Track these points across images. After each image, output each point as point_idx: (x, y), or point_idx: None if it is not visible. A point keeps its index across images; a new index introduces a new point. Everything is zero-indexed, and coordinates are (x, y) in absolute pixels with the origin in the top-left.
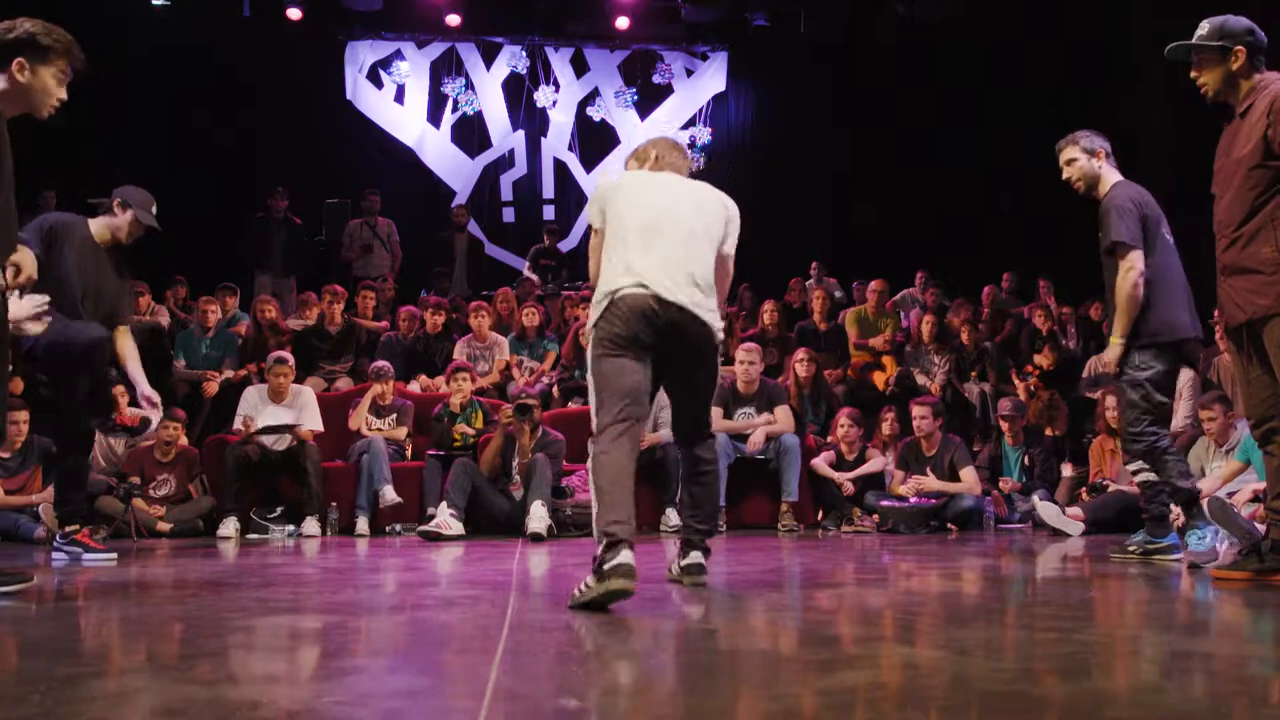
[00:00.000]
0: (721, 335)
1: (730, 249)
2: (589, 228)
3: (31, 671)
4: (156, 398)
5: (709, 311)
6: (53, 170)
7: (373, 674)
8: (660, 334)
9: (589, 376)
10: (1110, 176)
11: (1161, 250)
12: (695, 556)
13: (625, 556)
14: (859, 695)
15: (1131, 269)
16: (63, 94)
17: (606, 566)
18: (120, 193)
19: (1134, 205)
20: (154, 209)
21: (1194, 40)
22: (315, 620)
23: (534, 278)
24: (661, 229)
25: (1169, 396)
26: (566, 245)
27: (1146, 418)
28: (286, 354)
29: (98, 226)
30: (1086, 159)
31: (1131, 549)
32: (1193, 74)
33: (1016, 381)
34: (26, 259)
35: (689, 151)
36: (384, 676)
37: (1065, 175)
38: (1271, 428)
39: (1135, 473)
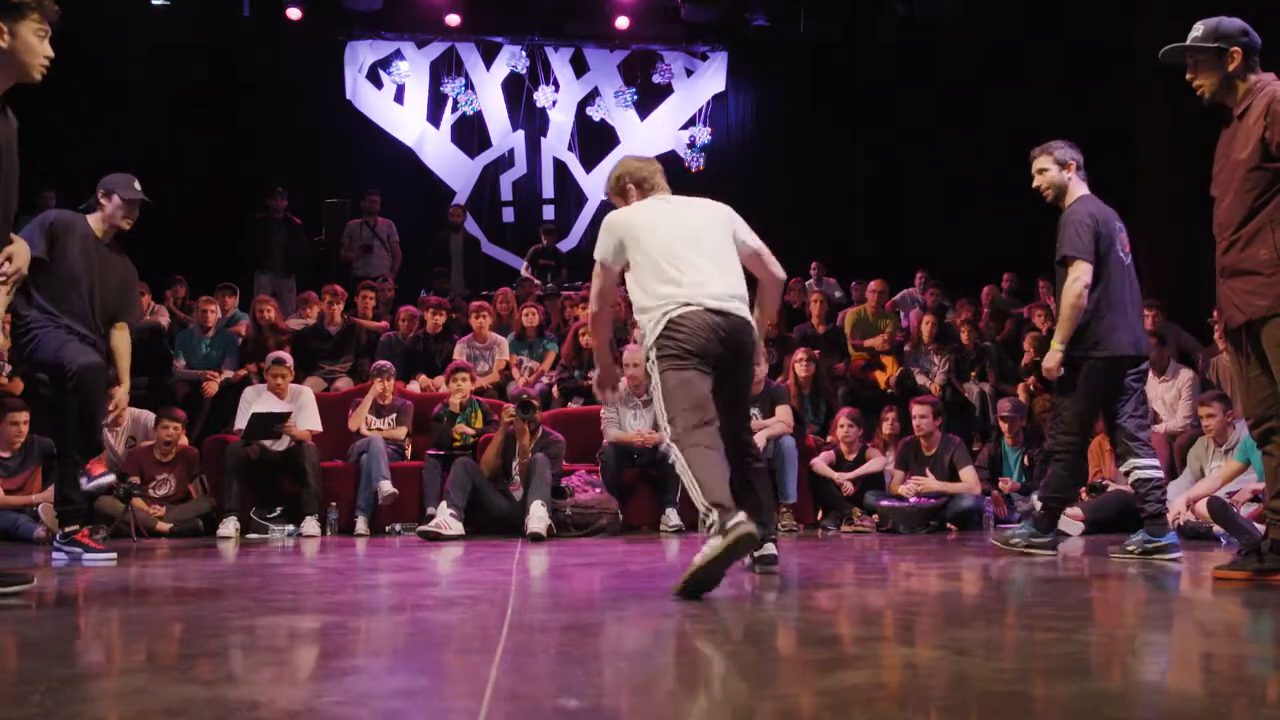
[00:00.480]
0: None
1: (755, 241)
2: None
3: (31, 672)
4: (120, 411)
5: (750, 316)
6: (52, 170)
7: (372, 674)
8: (724, 346)
9: (656, 390)
10: (1077, 189)
11: (1114, 268)
12: (770, 548)
13: (741, 515)
14: (859, 695)
15: (1077, 279)
16: (48, 50)
17: (729, 524)
18: (101, 184)
19: (1091, 221)
20: (137, 184)
21: (1189, 42)
22: (315, 620)
23: (533, 278)
24: (692, 248)
25: (1102, 406)
26: (566, 245)
27: (1061, 423)
28: (285, 354)
29: (95, 222)
30: (1057, 170)
31: (1131, 548)
32: (1188, 76)
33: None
34: (20, 250)
35: (687, 152)
36: (384, 676)
37: (1036, 183)
38: (1270, 427)
39: (1127, 472)
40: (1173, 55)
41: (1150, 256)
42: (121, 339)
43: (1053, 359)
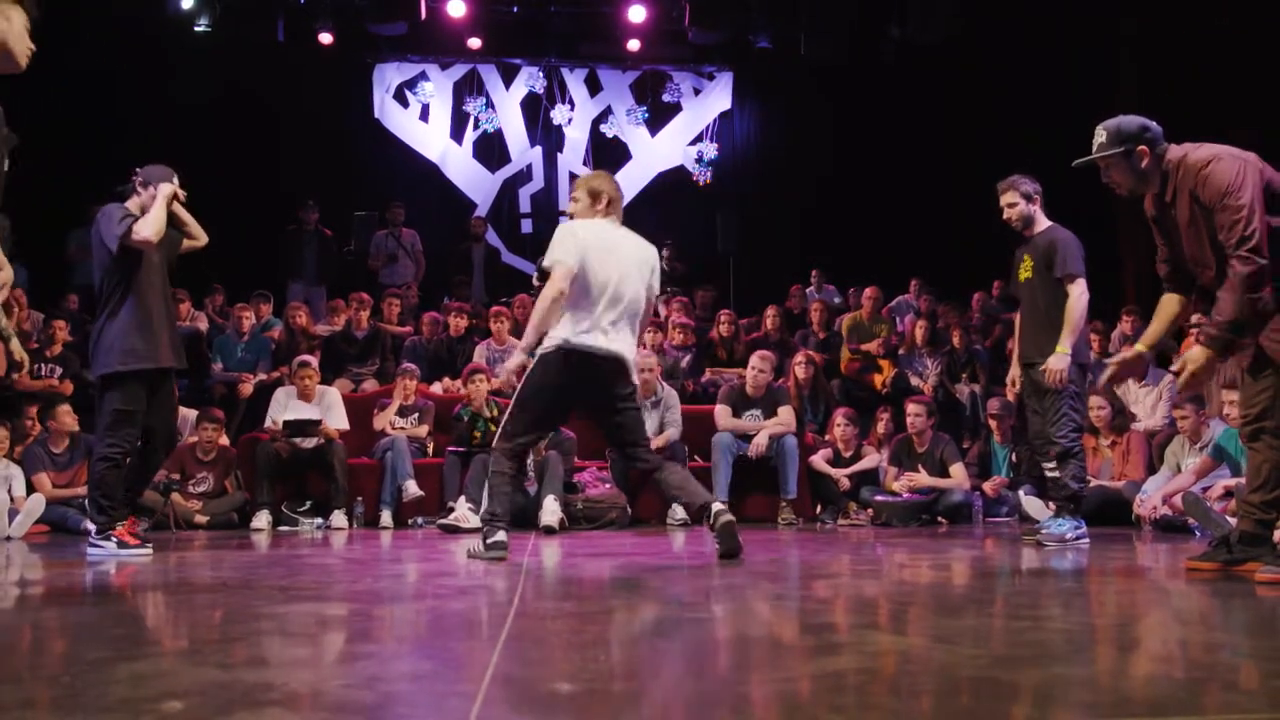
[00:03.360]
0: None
1: (655, 290)
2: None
3: (68, 654)
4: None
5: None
6: (97, 185)
7: (382, 659)
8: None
9: (520, 395)
10: (1042, 217)
11: None
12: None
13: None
14: (847, 680)
15: (1083, 294)
16: (31, 44)
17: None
18: (142, 173)
19: (1078, 244)
20: (176, 179)
21: (1096, 151)
22: (336, 608)
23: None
24: (621, 293)
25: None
26: None
27: (1073, 423)
28: (310, 358)
29: (133, 206)
30: (1025, 203)
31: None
32: (1104, 180)
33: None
34: (8, 273)
35: (695, 166)
36: (392, 661)
37: (1006, 215)
38: (1263, 427)
39: (1053, 469)
40: (1086, 163)
41: (1131, 266)
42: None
43: (1064, 362)
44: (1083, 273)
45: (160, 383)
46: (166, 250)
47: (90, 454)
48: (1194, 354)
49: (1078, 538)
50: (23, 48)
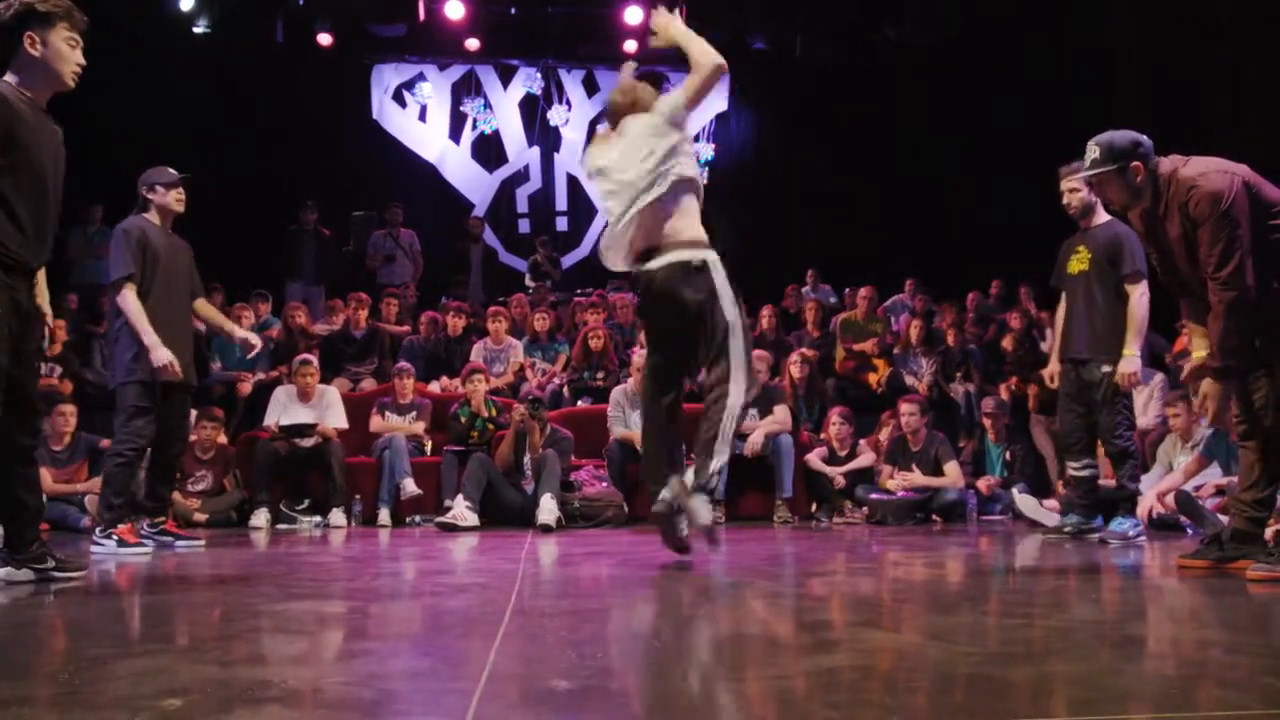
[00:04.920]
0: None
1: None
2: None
3: (69, 652)
4: (254, 339)
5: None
6: (98, 185)
7: (380, 656)
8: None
9: (737, 339)
10: (1101, 209)
11: None
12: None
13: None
14: (842, 676)
15: (1146, 293)
16: (80, 58)
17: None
18: (141, 182)
19: (1140, 242)
20: (171, 170)
21: (1090, 167)
22: (334, 606)
23: (536, 284)
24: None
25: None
26: (579, 254)
27: (1128, 423)
28: (311, 356)
29: (154, 217)
30: (1088, 191)
31: (1067, 529)
32: (1097, 196)
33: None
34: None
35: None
36: (390, 659)
37: (1066, 200)
38: (1255, 425)
39: (1080, 468)
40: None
41: None
42: (208, 310)
43: (1134, 365)
44: (1146, 273)
45: (171, 392)
46: (184, 274)
47: (90, 452)
48: (1208, 388)
49: (1137, 535)
50: (68, 68)
